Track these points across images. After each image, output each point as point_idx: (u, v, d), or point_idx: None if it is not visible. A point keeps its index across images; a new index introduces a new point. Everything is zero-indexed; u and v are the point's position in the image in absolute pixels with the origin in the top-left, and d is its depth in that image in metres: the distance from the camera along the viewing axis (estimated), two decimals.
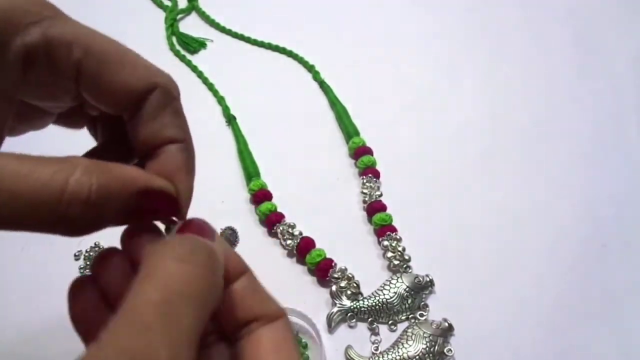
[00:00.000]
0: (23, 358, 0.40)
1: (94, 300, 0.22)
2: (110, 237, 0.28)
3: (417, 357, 0.38)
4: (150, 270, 0.17)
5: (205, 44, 0.61)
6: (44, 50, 0.20)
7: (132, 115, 0.22)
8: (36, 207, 0.17)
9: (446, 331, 0.39)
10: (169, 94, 0.23)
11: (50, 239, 0.44)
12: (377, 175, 0.49)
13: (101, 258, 0.22)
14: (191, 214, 0.25)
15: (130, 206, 0.20)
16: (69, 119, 0.25)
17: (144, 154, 0.23)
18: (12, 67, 0.19)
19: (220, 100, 0.55)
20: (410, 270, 0.43)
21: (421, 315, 0.41)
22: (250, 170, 0.49)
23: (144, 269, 0.17)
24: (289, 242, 0.44)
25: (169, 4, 0.65)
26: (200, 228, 0.21)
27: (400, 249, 0.44)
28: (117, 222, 0.20)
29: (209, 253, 0.19)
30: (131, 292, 0.17)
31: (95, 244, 0.44)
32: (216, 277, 0.19)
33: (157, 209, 0.21)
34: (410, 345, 0.39)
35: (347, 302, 0.41)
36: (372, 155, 0.50)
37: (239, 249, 0.46)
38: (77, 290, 0.22)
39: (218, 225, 0.46)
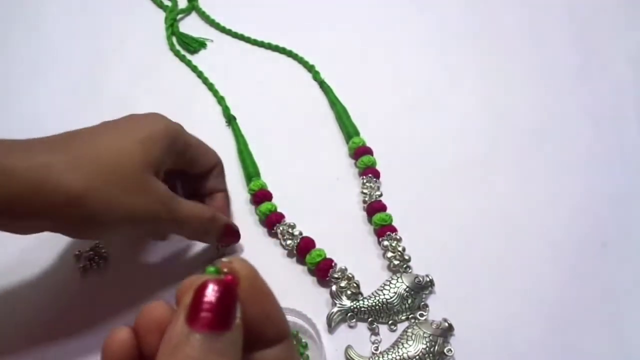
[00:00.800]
0: (23, 358, 0.40)
1: (130, 356, 0.20)
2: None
3: (417, 357, 0.38)
4: None
5: (205, 44, 0.61)
6: (183, 147, 0.40)
7: (207, 176, 0.44)
8: (202, 221, 0.40)
9: (446, 331, 0.39)
10: (222, 166, 0.46)
11: (50, 240, 0.45)
12: (377, 175, 0.49)
13: (148, 311, 0.21)
14: None
15: (221, 229, 0.42)
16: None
17: (206, 197, 0.45)
18: (177, 156, 0.40)
19: (220, 100, 0.55)
20: (410, 270, 0.43)
21: (421, 315, 0.41)
22: (250, 170, 0.49)
23: None
24: (289, 242, 0.44)
25: (169, 4, 0.65)
26: (214, 318, 0.19)
27: (400, 249, 0.44)
28: (216, 237, 0.42)
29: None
30: None
31: (95, 244, 0.44)
32: None
33: (229, 233, 0.43)
34: (410, 345, 0.39)
35: (347, 302, 0.42)
36: (372, 155, 0.50)
37: (240, 249, 0.46)
38: (114, 342, 0.20)
39: None
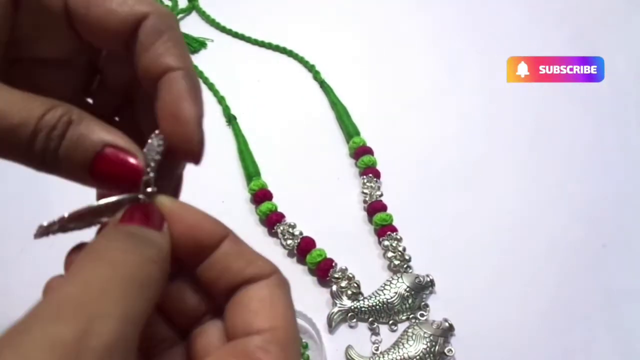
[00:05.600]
0: None
1: None
2: None
3: (418, 357, 0.38)
4: (94, 254, 0.18)
5: (205, 44, 0.61)
6: None
7: (131, 48, 0.22)
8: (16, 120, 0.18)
9: (446, 331, 0.39)
10: (163, 22, 0.22)
11: (50, 240, 0.44)
12: (377, 175, 0.49)
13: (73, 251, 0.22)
14: None
15: (93, 157, 0.20)
16: (73, 70, 0.24)
17: (148, 87, 0.22)
18: (2, 7, 0.20)
19: (220, 100, 0.55)
20: (410, 270, 0.43)
21: (421, 315, 0.41)
22: (250, 170, 0.49)
23: (86, 252, 0.19)
24: (289, 242, 0.44)
25: (169, 4, 0.65)
26: (146, 217, 0.20)
27: (400, 249, 0.44)
28: (79, 174, 0.20)
29: (146, 243, 0.19)
30: (72, 273, 0.18)
31: None
32: (153, 265, 0.18)
33: (118, 171, 0.20)
34: (411, 346, 0.39)
35: (347, 302, 0.41)
36: (372, 155, 0.50)
37: None
38: None
39: None
